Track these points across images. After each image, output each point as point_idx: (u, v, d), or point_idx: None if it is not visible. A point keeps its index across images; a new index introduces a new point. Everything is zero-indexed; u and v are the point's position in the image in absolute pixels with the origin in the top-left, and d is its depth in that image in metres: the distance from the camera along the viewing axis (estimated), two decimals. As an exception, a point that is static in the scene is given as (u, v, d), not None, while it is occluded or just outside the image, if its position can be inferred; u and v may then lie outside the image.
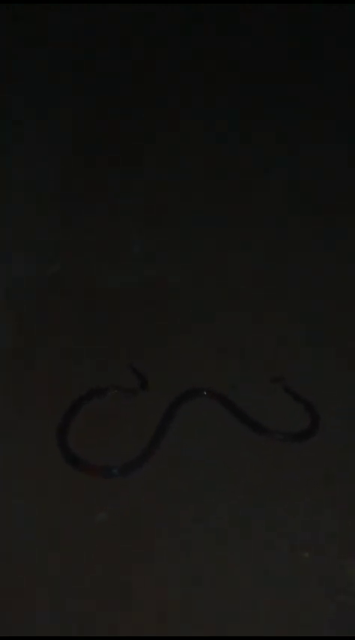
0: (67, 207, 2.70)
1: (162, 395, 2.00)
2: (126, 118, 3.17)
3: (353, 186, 2.85)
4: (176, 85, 3.39)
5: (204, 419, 1.97)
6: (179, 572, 1.64)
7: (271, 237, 2.61)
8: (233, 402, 1.99)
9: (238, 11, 3.83)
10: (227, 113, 3.22)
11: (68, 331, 2.21)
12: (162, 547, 1.69)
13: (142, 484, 1.81)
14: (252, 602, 1.60)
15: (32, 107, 3.20)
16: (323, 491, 1.81)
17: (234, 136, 3.10)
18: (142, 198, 2.77)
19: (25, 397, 2.00)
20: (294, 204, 2.76)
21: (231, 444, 1.91)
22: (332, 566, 1.66)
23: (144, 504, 1.77)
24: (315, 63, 3.55)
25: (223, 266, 2.48)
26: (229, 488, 1.80)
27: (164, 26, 3.77)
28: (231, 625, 1.56)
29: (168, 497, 1.78)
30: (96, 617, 1.56)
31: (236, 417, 1.97)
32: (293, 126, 3.16)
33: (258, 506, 1.77)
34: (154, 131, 3.11)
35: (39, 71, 3.41)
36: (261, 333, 2.22)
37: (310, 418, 1.96)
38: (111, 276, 2.42)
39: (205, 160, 2.97)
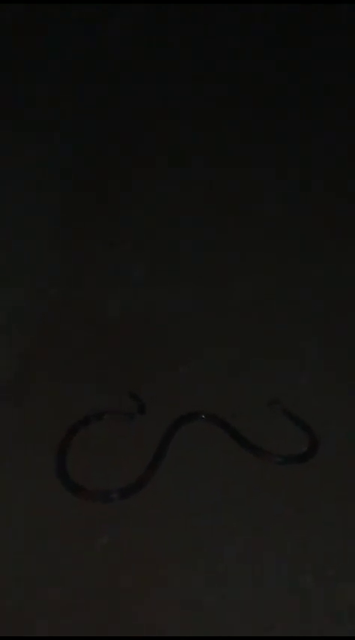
0: (66, 233, 2.72)
1: (160, 419, 2.00)
2: (126, 143, 3.21)
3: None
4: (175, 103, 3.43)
5: (203, 442, 1.97)
6: (178, 596, 1.63)
7: (272, 261, 2.63)
8: (231, 425, 1.99)
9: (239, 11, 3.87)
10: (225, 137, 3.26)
11: (68, 356, 2.22)
12: (162, 571, 1.68)
13: (141, 508, 1.80)
14: (252, 627, 1.59)
15: (31, 133, 3.25)
16: (323, 513, 1.80)
17: (231, 160, 3.13)
18: (142, 223, 2.79)
19: (23, 423, 2.00)
20: (295, 226, 2.79)
21: (229, 466, 1.91)
22: (332, 590, 1.65)
23: (144, 528, 1.76)
24: (315, 63, 3.58)
25: (223, 291, 2.49)
26: (228, 511, 1.80)
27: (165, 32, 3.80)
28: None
29: (167, 521, 1.78)
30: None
31: (234, 439, 1.97)
32: (295, 125, 3.19)
33: (257, 530, 1.76)
34: (155, 154, 3.14)
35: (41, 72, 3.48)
36: (260, 358, 2.23)
37: (309, 440, 1.96)
38: (111, 301, 2.43)
39: (205, 185, 3.01)
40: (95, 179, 3.00)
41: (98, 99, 3.47)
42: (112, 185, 2.97)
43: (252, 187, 2.99)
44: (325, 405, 2.08)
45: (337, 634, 1.58)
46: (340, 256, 2.66)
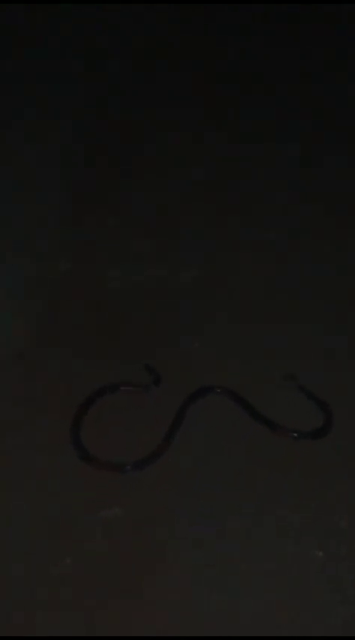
0: (75, 208, 2.71)
1: (175, 391, 2.00)
2: (129, 119, 3.18)
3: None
4: (177, 88, 3.39)
5: (217, 416, 1.97)
6: (189, 571, 1.64)
7: (282, 236, 2.60)
8: (246, 400, 1.98)
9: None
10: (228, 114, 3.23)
11: (80, 331, 2.21)
12: (173, 544, 1.69)
13: (155, 480, 1.81)
14: (263, 602, 1.60)
15: (35, 110, 3.22)
16: (336, 490, 1.80)
17: (237, 131, 3.11)
18: (152, 198, 2.77)
19: (37, 396, 2.01)
20: (305, 203, 2.75)
21: (243, 441, 1.90)
22: (342, 567, 1.65)
23: (157, 501, 1.77)
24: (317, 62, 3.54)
25: (234, 265, 2.47)
26: (241, 486, 1.80)
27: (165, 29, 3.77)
28: (239, 624, 1.56)
29: (181, 494, 1.78)
30: (103, 614, 1.56)
31: (249, 414, 1.96)
32: (295, 125, 3.15)
33: (271, 505, 1.76)
34: (159, 131, 3.11)
35: (41, 71, 3.44)
36: (272, 332, 2.21)
37: (324, 416, 1.95)
38: (122, 275, 2.42)
39: (215, 158, 2.97)
40: (106, 157, 2.98)
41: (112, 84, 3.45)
42: (123, 162, 2.94)
43: (258, 162, 2.96)
44: (340, 381, 2.06)
45: (344, 613, 1.58)
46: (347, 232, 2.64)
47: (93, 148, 3.02)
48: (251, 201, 2.77)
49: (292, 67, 3.52)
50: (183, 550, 1.68)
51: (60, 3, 3.85)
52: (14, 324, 2.24)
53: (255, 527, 1.72)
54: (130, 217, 2.67)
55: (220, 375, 2.05)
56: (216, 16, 3.86)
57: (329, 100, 3.29)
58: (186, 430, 1.92)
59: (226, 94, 3.33)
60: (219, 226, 2.64)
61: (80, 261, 2.47)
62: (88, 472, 1.82)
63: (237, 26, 3.80)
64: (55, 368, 2.08)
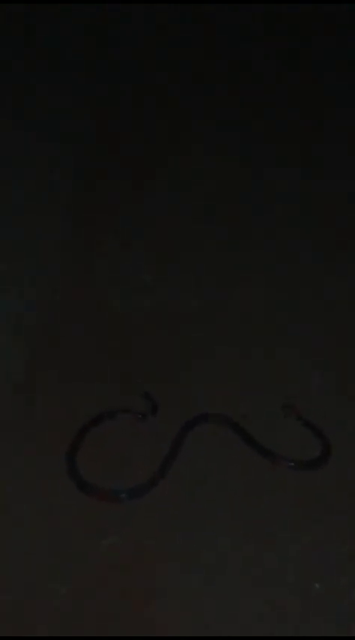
0: (75, 232, 2.71)
1: (172, 420, 1.99)
2: (133, 142, 3.21)
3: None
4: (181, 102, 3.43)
5: (215, 445, 1.95)
6: (184, 600, 1.62)
7: (283, 263, 2.62)
8: (243, 429, 1.97)
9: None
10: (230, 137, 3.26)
11: (79, 356, 2.20)
12: (168, 574, 1.66)
13: (151, 509, 1.79)
14: (264, 630, 1.57)
15: (40, 132, 3.24)
16: (334, 520, 1.78)
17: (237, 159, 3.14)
18: (154, 223, 2.78)
19: (35, 421, 1.99)
20: (306, 229, 2.77)
21: (241, 470, 1.89)
22: (343, 598, 1.63)
23: (152, 529, 1.75)
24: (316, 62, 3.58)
25: (235, 292, 2.48)
26: (238, 516, 1.78)
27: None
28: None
29: (176, 523, 1.76)
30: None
31: (246, 443, 1.95)
32: (298, 140, 3.18)
33: (268, 535, 1.74)
34: (165, 155, 3.14)
35: (46, 79, 3.47)
36: (273, 359, 2.21)
37: (322, 446, 1.94)
38: (123, 300, 2.42)
39: (216, 185, 2.99)
40: (107, 178, 2.99)
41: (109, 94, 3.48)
42: (124, 185, 2.96)
43: (264, 187, 2.99)
44: (339, 410, 2.06)
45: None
46: (346, 256, 2.66)
47: (93, 171, 3.04)
48: (251, 224, 2.79)
49: (292, 67, 3.56)
50: (177, 580, 1.65)
51: (60, 3, 3.88)
52: (12, 349, 2.22)
53: (252, 557, 1.70)
54: (131, 241, 2.68)
55: (218, 404, 2.04)
56: (216, 17, 3.89)
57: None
58: (183, 458, 1.91)
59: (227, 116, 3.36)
60: (220, 250, 2.66)
61: (80, 285, 2.47)
62: (83, 500, 1.80)
63: (237, 26, 3.83)
64: (52, 393, 2.07)
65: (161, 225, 2.76)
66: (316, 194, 2.94)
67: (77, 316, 2.35)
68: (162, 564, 1.68)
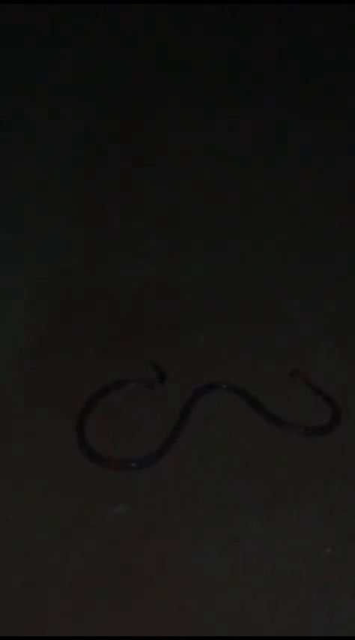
0: (84, 208, 2.70)
1: (180, 388, 1.98)
2: (138, 117, 3.19)
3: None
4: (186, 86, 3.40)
5: (223, 413, 1.94)
6: (194, 568, 1.62)
7: (285, 235, 2.58)
8: (252, 396, 1.96)
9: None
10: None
11: (88, 327, 2.20)
12: (178, 542, 1.67)
13: (160, 478, 1.79)
14: (273, 598, 1.57)
15: (43, 109, 3.23)
16: (347, 486, 1.77)
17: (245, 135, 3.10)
18: (156, 197, 2.76)
19: (43, 393, 1.99)
20: (311, 202, 2.74)
21: (250, 437, 1.88)
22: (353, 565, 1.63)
23: (162, 498, 1.75)
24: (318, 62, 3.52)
25: (240, 263, 2.46)
26: (248, 483, 1.78)
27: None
28: (249, 624, 1.54)
29: (185, 492, 1.76)
30: (108, 615, 1.55)
31: (255, 410, 1.94)
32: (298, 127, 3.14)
33: (279, 502, 1.74)
34: (167, 130, 3.11)
35: (49, 71, 3.46)
36: (279, 328, 2.19)
37: (331, 412, 1.92)
38: (129, 273, 2.41)
39: (219, 159, 2.96)
40: (117, 155, 2.98)
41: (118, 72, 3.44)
42: (133, 160, 2.94)
43: (263, 161, 2.96)
44: (348, 376, 2.03)
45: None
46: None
47: (102, 147, 3.02)
48: (257, 200, 2.76)
49: (292, 66, 3.52)
50: (187, 547, 1.66)
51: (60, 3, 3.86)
52: (23, 323, 2.23)
53: (264, 523, 1.70)
54: (139, 216, 2.66)
55: (226, 372, 2.02)
56: (216, 16, 3.85)
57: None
58: (192, 427, 1.90)
59: (228, 94, 3.34)
60: (226, 224, 2.63)
61: (88, 259, 2.47)
62: (93, 470, 1.80)
63: (237, 26, 3.79)
64: (60, 365, 2.07)
65: (168, 201, 2.74)
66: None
67: (83, 290, 2.35)
68: (174, 531, 1.68)
